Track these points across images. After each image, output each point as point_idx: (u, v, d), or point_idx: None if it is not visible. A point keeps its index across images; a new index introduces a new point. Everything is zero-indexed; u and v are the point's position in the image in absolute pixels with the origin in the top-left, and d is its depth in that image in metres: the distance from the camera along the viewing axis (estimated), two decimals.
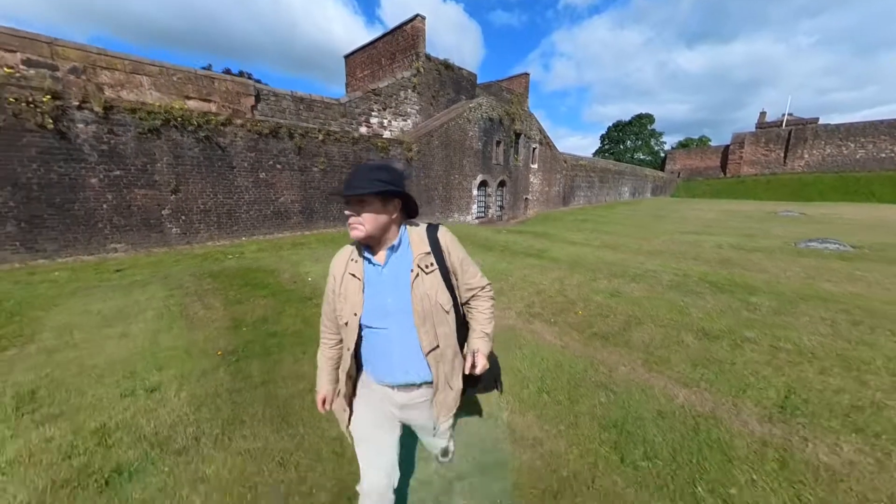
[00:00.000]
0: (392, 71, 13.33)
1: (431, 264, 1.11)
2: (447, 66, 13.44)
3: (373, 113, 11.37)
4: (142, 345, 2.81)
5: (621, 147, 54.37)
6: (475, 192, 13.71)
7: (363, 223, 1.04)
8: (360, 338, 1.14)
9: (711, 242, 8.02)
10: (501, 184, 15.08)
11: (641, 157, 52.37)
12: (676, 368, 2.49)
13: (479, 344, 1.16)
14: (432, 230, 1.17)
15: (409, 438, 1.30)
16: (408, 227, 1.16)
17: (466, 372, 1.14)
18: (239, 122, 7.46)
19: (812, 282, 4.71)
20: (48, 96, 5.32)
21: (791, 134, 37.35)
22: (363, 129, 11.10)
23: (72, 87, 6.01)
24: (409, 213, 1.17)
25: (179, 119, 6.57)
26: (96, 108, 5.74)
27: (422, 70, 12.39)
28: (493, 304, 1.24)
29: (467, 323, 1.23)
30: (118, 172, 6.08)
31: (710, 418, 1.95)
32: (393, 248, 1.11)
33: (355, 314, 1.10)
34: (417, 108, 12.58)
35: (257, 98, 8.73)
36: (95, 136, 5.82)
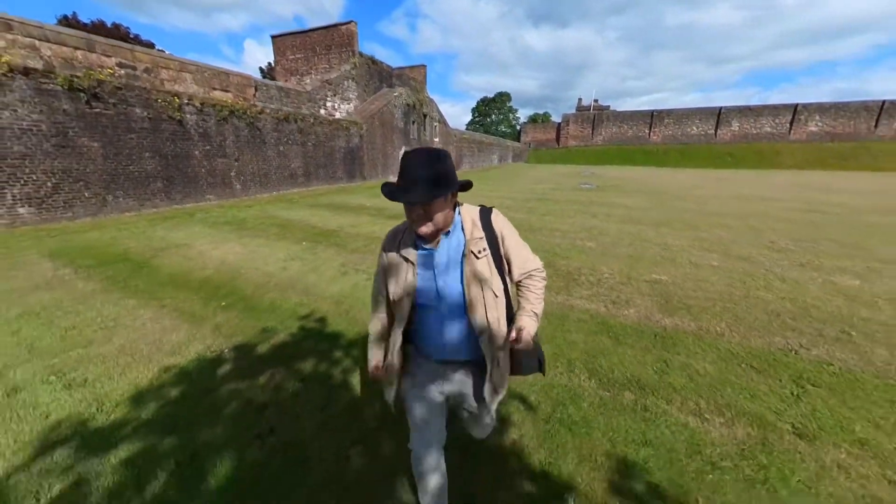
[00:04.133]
0: (328, 60, 16.63)
1: (484, 249, 1.10)
2: (373, 61, 17.55)
3: (327, 98, 15.01)
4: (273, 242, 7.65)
5: (488, 120, 65.05)
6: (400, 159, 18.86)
7: (433, 222, 1.04)
8: (412, 315, 1.15)
9: (541, 186, 15.71)
10: None
11: (504, 129, 64.20)
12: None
13: (526, 321, 1.15)
14: (485, 213, 1.16)
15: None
16: (460, 209, 1.15)
17: (506, 346, 1.16)
18: (268, 110, 10.80)
19: (574, 196, 12.26)
20: (175, 97, 8.20)
21: (595, 117, 53.26)
22: (322, 112, 14.73)
23: (145, 82, 8.64)
24: (462, 188, 1.11)
25: (237, 110, 9.76)
26: (196, 104, 8.72)
27: (357, 64, 16.30)
28: (545, 286, 1.24)
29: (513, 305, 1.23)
30: (208, 147, 9.17)
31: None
32: (447, 234, 1.11)
33: (408, 294, 1.12)
34: (356, 94, 16.56)
35: (255, 88, 11.72)
36: (196, 123, 8.81)
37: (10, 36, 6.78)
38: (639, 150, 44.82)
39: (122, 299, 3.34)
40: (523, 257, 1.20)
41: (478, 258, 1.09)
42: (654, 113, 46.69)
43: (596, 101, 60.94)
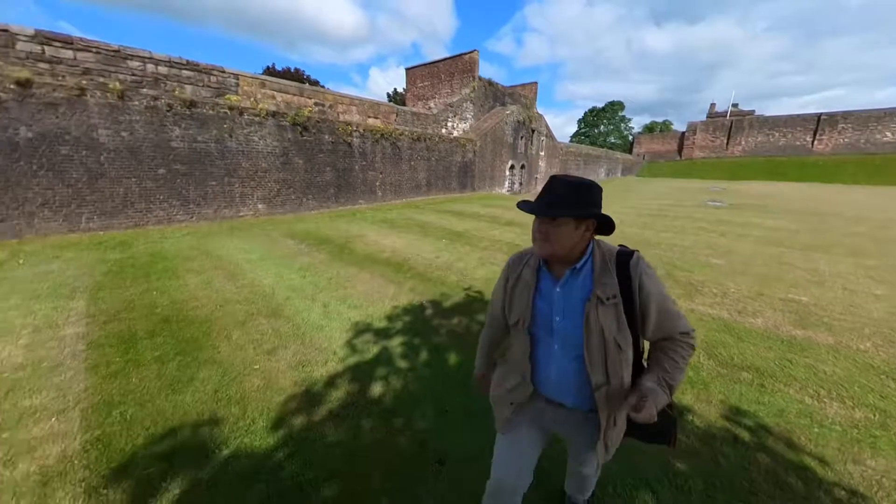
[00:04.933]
0: (451, 86, 18.88)
1: (614, 296, 0.99)
2: (490, 83, 19.18)
3: (448, 119, 17.11)
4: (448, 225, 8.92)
5: (596, 131, 61.61)
6: (507, 172, 19.88)
7: (552, 242, 1.00)
8: (528, 341, 1.11)
9: (657, 202, 14.79)
10: (522, 167, 21.32)
11: (613, 140, 59.95)
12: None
13: (653, 391, 0.98)
14: (624, 257, 1.03)
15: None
16: (597, 246, 1.07)
17: (625, 410, 1.00)
18: (406, 132, 13.17)
19: (698, 213, 11.46)
20: (348, 125, 10.90)
21: (732, 124, 45.66)
22: (443, 131, 16.85)
23: (329, 115, 11.52)
24: (604, 230, 1.06)
25: (385, 133, 12.24)
26: (360, 130, 11.36)
27: (475, 87, 18.10)
28: (692, 354, 1.04)
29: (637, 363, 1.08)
30: (364, 163, 11.76)
31: None
32: (574, 270, 1.04)
33: (523, 320, 1.09)
34: (472, 113, 18.37)
35: (396, 114, 14.33)
36: (358, 145, 11.45)
37: (263, 90, 10.15)
38: (793, 163, 36.84)
39: (344, 266, 5.07)
40: (671, 317, 1.03)
41: (604, 304, 0.99)
42: (822, 116, 37.73)
43: (735, 105, 52.22)
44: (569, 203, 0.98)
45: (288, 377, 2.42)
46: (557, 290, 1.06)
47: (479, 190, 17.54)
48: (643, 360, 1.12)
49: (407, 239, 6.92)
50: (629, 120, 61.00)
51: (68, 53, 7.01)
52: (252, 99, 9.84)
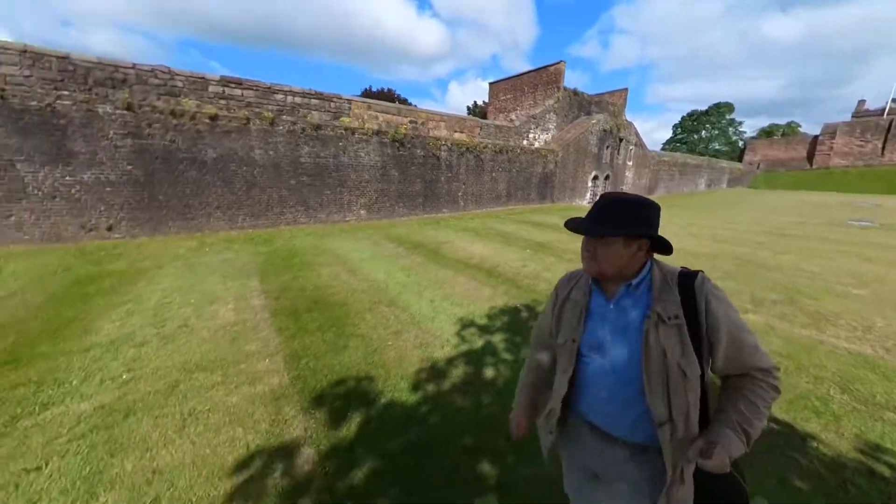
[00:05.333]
0: (534, 97, 18.99)
1: (676, 316, 0.90)
2: (575, 93, 18.80)
3: (530, 131, 17.24)
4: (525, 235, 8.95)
5: (696, 137, 54.81)
6: (589, 183, 19.11)
7: (599, 260, 0.95)
8: (577, 364, 1.02)
9: (777, 218, 12.76)
10: (606, 177, 20.25)
11: (718, 147, 52.63)
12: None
13: (726, 436, 0.85)
14: (687, 277, 0.95)
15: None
16: (655, 265, 0.99)
17: (691, 457, 0.86)
18: (490, 145, 13.74)
19: (835, 233, 9.72)
20: (438, 140, 11.87)
21: (892, 124, 36.56)
22: (524, 142, 17.02)
23: (421, 131, 12.60)
24: (660, 250, 0.98)
25: (470, 147, 12.96)
26: (448, 144, 12.26)
27: (560, 98, 17.92)
28: (775, 398, 0.89)
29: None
30: (449, 175, 12.62)
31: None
32: (629, 287, 0.97)
33: (573, 340, 1.02)
34: (555, 124, 18.19)
35: (480, 128, 15.01)
36: (446, 158, 12.35)
37: (369, 112, 11.68)
38: None
39: (441, 269, 5.67)
40: (741, 346, 0.90)
41: (665, 323, 0.89)
42: None
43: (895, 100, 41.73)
44: (618, 221, 0.92)
45: (415, 354, 2.97)
46: (611, 307, 1.00)
47: (559, 201, 17.21)
48: (711, 401, 0.96)
49: (492, 247, 7.32)
50: (740, 123, 52.98)
51: (238, 91, 9.12)
52: (360, 120, 11.40)
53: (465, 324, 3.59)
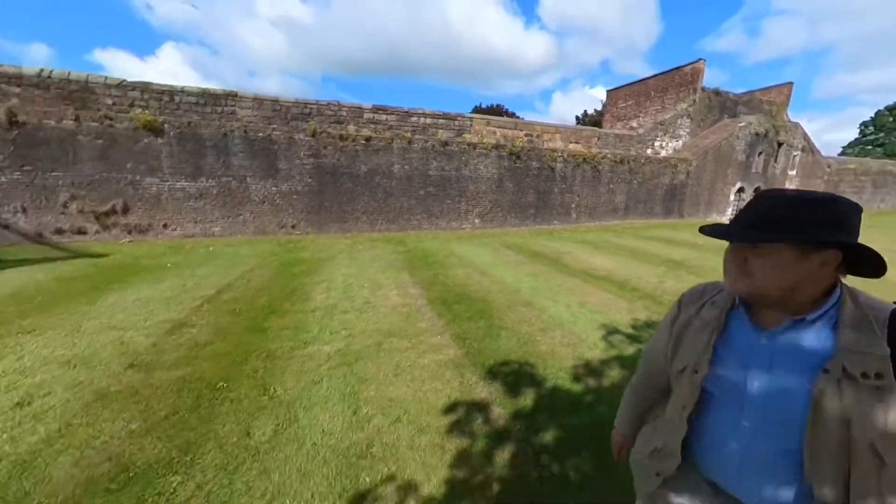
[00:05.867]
0: (662, 102, 17.22)
1: (879, 375, 0.62)
2: (717, 93, 16.38)
3: (656, 139, 15.67)
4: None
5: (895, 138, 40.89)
6: (732, 196, 16.22)
7: (752, 276, 0.69)
8: (697, 404, 0.79)
9: None
10: (756, 189, 16.87)
11: None
12: None
13: None
14: None
15: None
16: (847, 293, 0.70)
17: None
18: (609, 155, 13.08)
19: None
20: (553, 152, 11.89)
21: None
22: (648, 151, 15.55)
23: (536, 144, 12.68)
24: (859, 270, 0.70)
25: (587, 158, 12.55)
26: (563, 155, 12.14)
27: (697, 101, 15.84)
28: None
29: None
30: (563, 186, 12.44)
31: None
32: (802, 321, 0.70)
33: (695, 370, 0.78)
34: (688, 130, 16.13)
35: (598, 138, 14.36)
36: (560, 169, 12.25)
37: (488, 128, 12.43)
38: None
39: (567, 277, 5.73)
40: None
41: (856, 383, 0.63)
42: None
43: None
44: (789, 223, 0.65)
45: (566, 352, 3.17)
46: (763, 342, 0.73)
47: (690, 216, 15.08)
48: None
49: (617, 261, 6.99)
50: None
51: (383, 116, 10.87)
52: (479, 135, 12.22)
53: (610, 331, 3.62)
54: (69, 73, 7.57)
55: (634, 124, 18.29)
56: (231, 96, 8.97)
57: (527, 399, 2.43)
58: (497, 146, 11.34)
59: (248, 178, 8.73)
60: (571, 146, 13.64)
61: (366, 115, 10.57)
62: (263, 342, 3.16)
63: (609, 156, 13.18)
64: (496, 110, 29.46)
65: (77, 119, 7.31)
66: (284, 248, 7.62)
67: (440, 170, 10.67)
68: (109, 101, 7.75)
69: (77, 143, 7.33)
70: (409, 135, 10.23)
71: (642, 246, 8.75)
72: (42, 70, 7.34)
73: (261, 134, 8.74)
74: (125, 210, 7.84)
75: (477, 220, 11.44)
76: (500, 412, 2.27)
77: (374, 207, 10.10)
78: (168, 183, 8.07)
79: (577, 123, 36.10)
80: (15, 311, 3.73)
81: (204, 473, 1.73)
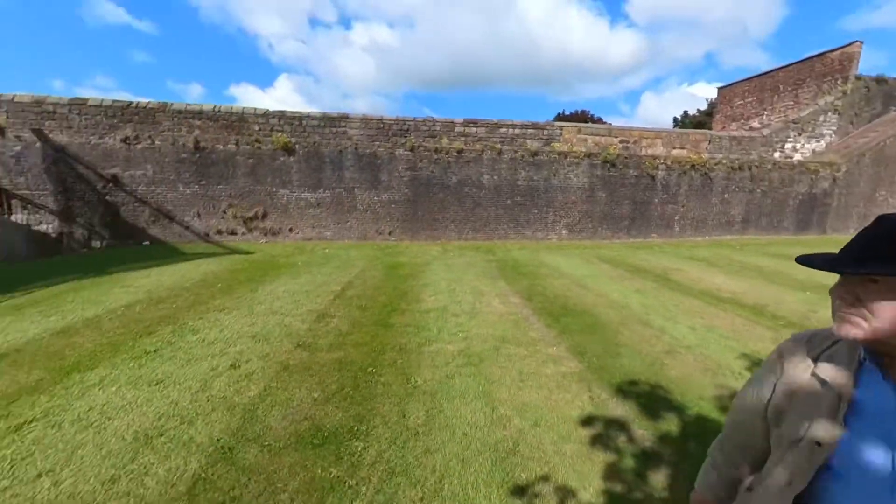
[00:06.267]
0: (796, 96, 14.54)
1: None
2: (879, 80, 13.23)
3: (787, 140, 13.25)
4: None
5: None
6: None
7: (869, 318, 0.58)
8: (813, 484, 0.65)
9: None
10: None
11: None
12: None
13: None
14: None
15: None
16: None
17: None
18: (724, 161, 11.51)
19: None
20: (655, 159, 10.91)
21: None
22: (776, 154, 13.21)
23: (631, 151, 11.71)
24: None
25: (696, 164, 11.22)
26: (667, 162, 11.05)
27: (849, 91, 13.00)
28: None
29: None
30: (665, 196, 11.30)
31: None
32: None
33: (818, 444, 0.62)
34: (834, 128, 13.30)
35: (709, 142, 12.73)
36: (662, 177, 11.17)
37: (578, 135, 11.98)
38: None
39: (683, 297, 5.18)
40: None
41: None
42: None
43: None
44: (888, 243, 0.57)
45: (704, 379, 2.90)
46: None
47: (836, 232, 12.33)
48: None
49: (744, 282, 6.08)
50: None
51: (473, 129, 11.26)
52: (569, 144, 11.85)
53: (753, 361, 3.19)
54: (231, 108, 9.54)
55: (756, 124, 15.74)
56: (344, 118, 10.26)
57: (669, 424, 2.29)
58: (589, 154, 10.85)
59: (355, 190, 9.85)
60: (675, 152, 12.32)
61: (457, 129, 11.09)
62: (394, 336, 3.54)
63: (724, 161, 11.58)
64: (581, 116, 28.16)
65: (237, 143, 9.16)
66: (384, 253, 8.38)
67: (528, 180, 10.61)
68: (257, 128, 9.52)
69: (235, 163, 9.18)
70: (498, 146, 10.44)
71: (773, 265, 7.45)
72: (215, 106, 9.39)
73: (368, 150, 9.81)
74: (264, 216, 9.51)
75: (564, 231, 11.04)
76: (643, 434, 2.18)
77: (462, 216, 10.49)
78: (295, 194, 9.56)
79: (676, 126, 32.43)
80: (206, 293, 4.83)
81: (379, 443, 2.03)
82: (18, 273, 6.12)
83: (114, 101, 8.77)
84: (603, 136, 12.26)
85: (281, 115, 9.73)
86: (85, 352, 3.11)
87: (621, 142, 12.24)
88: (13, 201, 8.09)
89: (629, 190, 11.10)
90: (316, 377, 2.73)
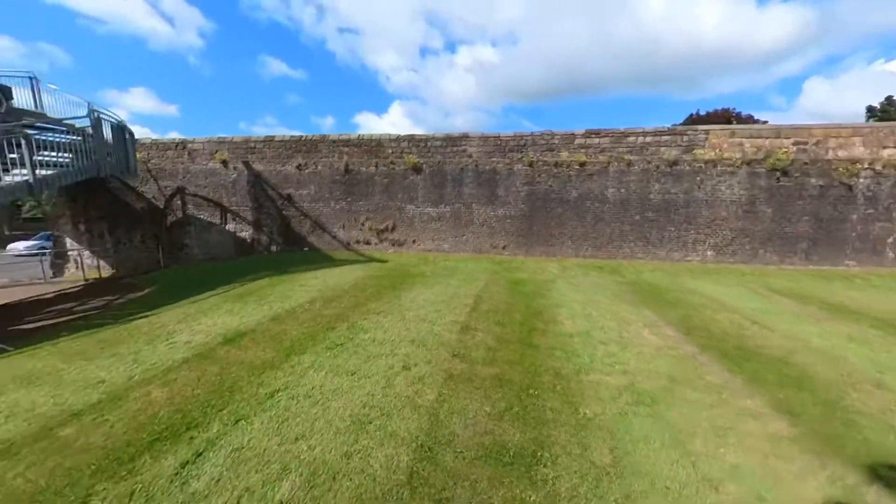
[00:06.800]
0: None
1: None
2: None
3: None
4: None
5: None
6: None
7: None
8: None
9: None
10: None
11: None
12: None
13: None
14: None
15: None
16: None
17: None
18: None
19: None
20: (854, 164, 8.42)
21: None
22: None
23: (813, 156, 9.16)
24: None
25: None
26: (874, 168, 8.39)
27: None
28: None
29: None
30: (870, 211, 8.57)
31: None
32: None
33: None
34: None
35: None
36: (864, 186, 8.53)
37: (731, 139, 10.09)
38: None
39: None
40: None
41: None
42: None
43: None
44: None
45: None
46: None
47: None
48: None
49: None
50: None
51: (595, 140, 10.56)
52: (716, 150, 10.07)
53: None
54: (371, 135, 11.05)
55: None
56: (464, 137, 10.84)
57: None
58: (748, 161, 9.02)
59: (473, 205, 10.25)
60: (887, 152, 9.26)
61: (577, 141, 10.57)
62: (543, 359, 3.46)
63: None
64: (724, 116, 23.83)
65: (376, 165, 10.56)
66: (502, 267, 8.42)
67: (663, 193, 9.38)
68: (390, 151, 10.80)
69: (373, 182, 10.58)
70: (627, 156, 9.54)
71: None
72: (360, 135, 11.02)
73: (487, 166, 10.14)
74: (392, 229, 10.66)
75: (710, 253, 9.33)
76: None
77: (580, 232, 9.87)
78: (420, 209, 10.47)
79: (872, 118, 24.57)
80: (362, 296, 5.58)
81: (570, 476, 1.96)
82: (233, 268, 8.18)
83: (290, 136, 11.12)
84: (767, 137, 10.07)
85: (410, 138, 10.84)
86: (294, 338, 3.90)
87: (795, 143, 9.82)
88: (227, 215, 10.93)
89: (809, 204, 8.77)
90: (481, 390, 2.83)
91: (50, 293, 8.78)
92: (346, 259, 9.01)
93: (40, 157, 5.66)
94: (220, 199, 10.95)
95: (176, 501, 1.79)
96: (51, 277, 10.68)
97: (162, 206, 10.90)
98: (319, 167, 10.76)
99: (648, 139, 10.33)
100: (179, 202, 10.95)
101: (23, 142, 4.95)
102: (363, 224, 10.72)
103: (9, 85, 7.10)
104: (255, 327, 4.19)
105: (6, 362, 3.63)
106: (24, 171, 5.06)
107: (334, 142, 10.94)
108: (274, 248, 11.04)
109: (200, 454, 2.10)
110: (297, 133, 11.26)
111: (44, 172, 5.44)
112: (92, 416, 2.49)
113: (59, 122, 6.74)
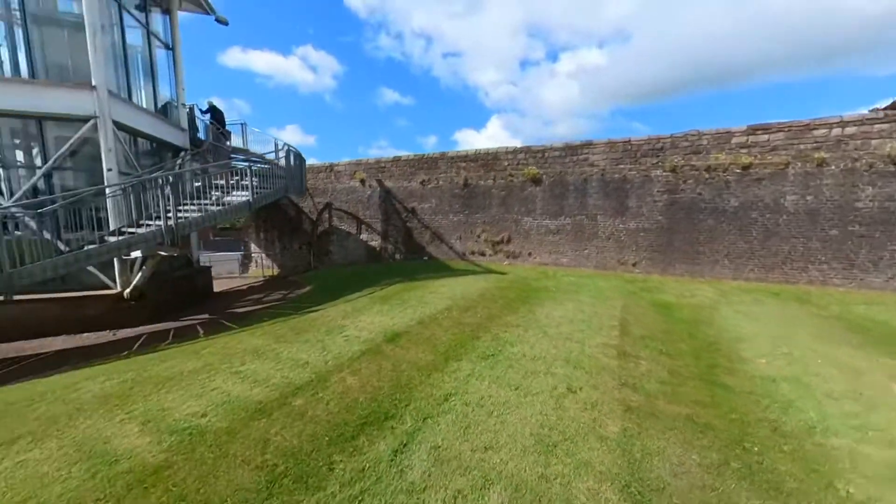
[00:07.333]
0: None
1: None
2: None
3: None
4: None
5: None
6: None
7: None
8: None
9: None
10: None
11: None
12: None
13: None
14: None
15: None
16: None
17: None
18: None
19: None
20: None
21: None
22: None
23: None
24: None
25: None
26: None
27: None
28: None
29: None
30: None
31: None
32: None
33: None
34: None
35: None
36: None
37: None
38: None
39: None
40: None
41: None
42: None
43: None
44: None
45: None
46: None
47: None
48: None
49: None
50: None
51: (764, 137, 8.60)
52: None
53: None
54: (488, 150, 11.27)
55: None
56: (587, 145, 10.14)
57: None
58: None
59: (598, 217, 9.45)
60: None
61: (735, 140, 8.80)
62: (745, 405, 2.82)
63: None
64: None
65: (493, 179, 10.72)
66: (637, 287, 7.45)
67: (878, 199, 7.01)
68: (506, 163, 10.81)
69: (490, 195, 10.74)
70: (817, 154, 7.48)
71: None
72: (476, 151, 11.37)
73: (616, 175, 9.26)
74: (508, 241, 10.60)
75: None
76: None
77: (743, 249, 8.09)
78: (537, 221, 10.16)
79: None
80: (494, 308, 5.57)
81: None
82: (368, 272, 9.25)
83: (414, 155, 12.18)
84: None
85: (527, 150, 10.68)
86: (445, 343, 4.08)
87: None
88: (362, 226, 12.53)
89: None
90: (675, 432, 2.41)
91: (244, 286, 11.38)
92: (465, 269, 9.28)
93: (245, 182, 7.48)
94: (356, 212, 12.66)
95: (399, 488, 1.94)
96: (241, 273, 13.91)
97: (314, 219, 13.16)
98: (440, 182, 11.47)
99: (850, 130, 7.96)
100: (327, 215, 13.06)
101: (248, 171, 6.60)
102: (479, 236, 10.94)
103: (229, 129, 9.77)
104: (408, 329, 4.52)
105: (238, 337, 4.74)
106: (245, 194, 6.69)
107: (452, 158, 11.54)
108: (398, 256, 12.15)
109: (405, 445, 2.27)
110: (419, 153, 12.27)
111: (250, 195, 7.18)
112: (311, 391, 2.97)
113: (261, 155, 8.83)
